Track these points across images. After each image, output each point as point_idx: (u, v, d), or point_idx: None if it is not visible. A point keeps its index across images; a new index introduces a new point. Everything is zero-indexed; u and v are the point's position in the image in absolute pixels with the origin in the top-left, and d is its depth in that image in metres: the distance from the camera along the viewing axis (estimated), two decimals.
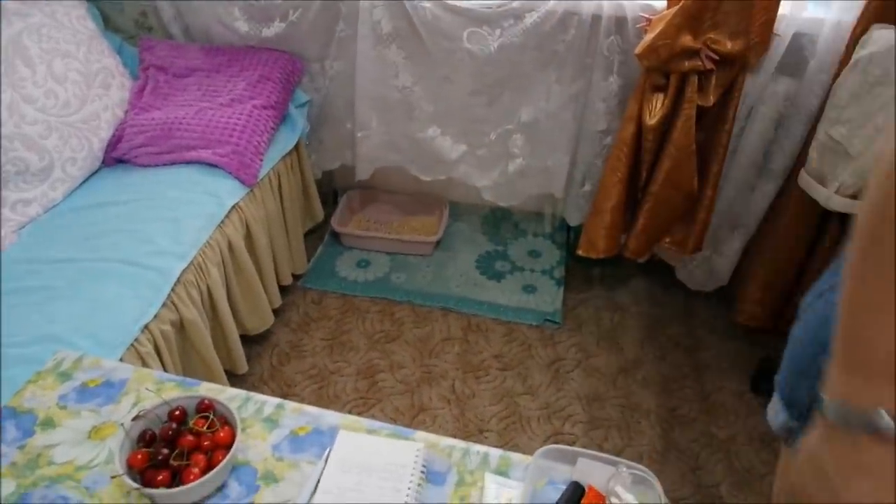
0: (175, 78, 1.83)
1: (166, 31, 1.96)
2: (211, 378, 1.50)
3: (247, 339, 1.82)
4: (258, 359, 1.85)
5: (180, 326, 1.40)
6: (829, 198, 1.40)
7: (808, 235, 1.75)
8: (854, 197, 1.37)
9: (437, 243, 2.25)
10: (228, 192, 1.61)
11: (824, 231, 1.74)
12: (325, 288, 2.09)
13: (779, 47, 1.57)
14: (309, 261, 2.17)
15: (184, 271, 1.40)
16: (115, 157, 1.69)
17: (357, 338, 1.92)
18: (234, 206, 1.60)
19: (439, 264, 2.19)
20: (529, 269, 2.18)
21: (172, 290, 1.36)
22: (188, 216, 1.50)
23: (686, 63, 1.52)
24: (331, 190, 2.38)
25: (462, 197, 2.33)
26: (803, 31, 1.58)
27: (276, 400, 0.96)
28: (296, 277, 2.09)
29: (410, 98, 1.89)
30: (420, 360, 1.86)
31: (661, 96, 1.58)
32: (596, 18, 1.67)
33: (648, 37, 1.48)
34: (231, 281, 1.62)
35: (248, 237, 1.68)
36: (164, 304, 1.33)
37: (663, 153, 1.66)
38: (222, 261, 1.56)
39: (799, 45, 1.60)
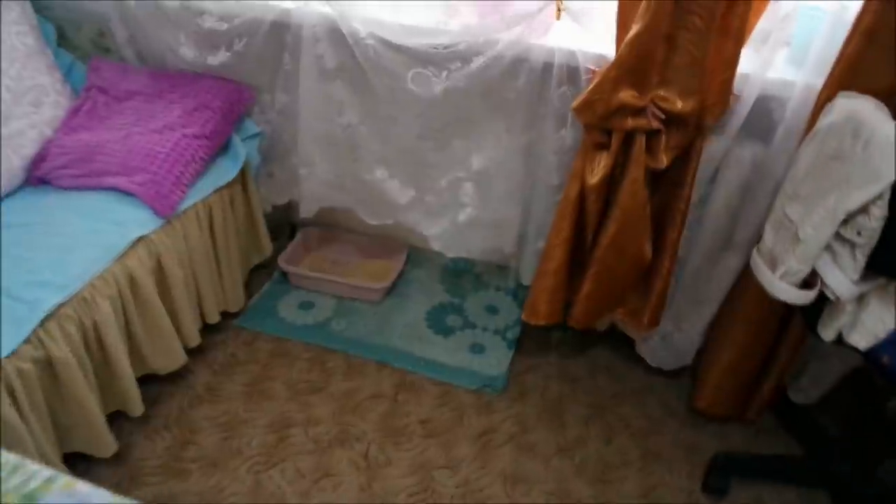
0: (115, 101, 1.78)
1: (121, 54, 1.92)
2: (86, 421, 1.40)
3: (161, 379, 1.72)
4: (169, 400, 1.73)
5: (47, 365, 1.29)
6: (772, 283, 1.22)
7: (775, 319, 1.56)
8: (801, 286, 1.19)
9: (390, 290, 2.12)
10: (137, 222, 1.52)
11: (793, 315, 1.55)
12: (261, 329, 1.97)
13: (741, 109, 1.41)
14: (251, 298, 2.07)
15: (61, 305, 1.31)
16: (38, 176, 1.63)
17: (279, 386, 1.80)
18: (141, 238, 1.51)
19: (386, 313, 2.05)
20: (482, 327, 2.02)
21: (41, 325, 1.27)
22: (82, 245, 1.42)
23: (630, 121, 1.37)
24: (288, 225, 2.28)
25: (425, 243, 2.20)
26: (771, 94, 1.42)
27: (49, 472, 0.83)
28: (233, 315, 1.98)
29: (356, 137, 1.78)
30: (339, 416, 1.72)
31: (603, 154, 1.44)
32: (547, 66, 1.54)
33: (586, 90, 1.35)
34: (132, 317, 1.52)
35: (160, 271, 1.59)
36: (26, 340, 1.24)
37: (609, 216, 1.51)
38: (119, 295, 1.46)
39: (767, 108, 1.44)
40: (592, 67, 1.43)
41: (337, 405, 1.75)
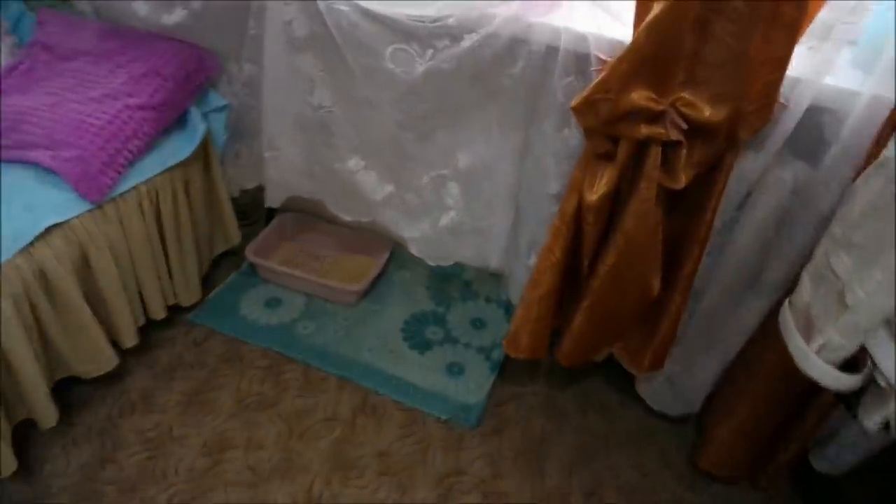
0: (58, 60, 1.55)
1: (78, 7, 1.68)
2: None
3: (94, 379, 1.51)
4: (98, 405, 1.53)
5: None
6: (805, 356, 0.95)
7: (803, 378, 1.28)
8: (842, 367, 0.92)
9: (369, 290, 1.89)
10: (55, 207, 1.31)
11: None
12: (217, 327, 1.76)
13: (787, 121, 1.12)
14: (213, 289, 1.86)
15: None
16: None
17: (224, 398, 1.58)
18: (58, 226, 1.30)
19: (359, 319, 1.82)
20: (464, 344, 1.78)
21: None
22: None
23: (643, 128, 1.09)
24: (264, 209, 2.04)
25: None
26: (826, 105, 1.12)
27: None
28: (187, 309, 1.77)
29: (328, 120, 1.53)
30: (286, 441, 1.50)
31: (608, 167, 1.16)
32: (551, 51, 1.26)
33: (588, 86, 1.07)
34: (44, 317, 1.31)
35: (84, 264, 1.37)
36: None
37: (609, 241, 1.24)
38: (25, 292, 1.25)
39: (818, 122, 1.15)
40: (603, 56, 1.15)
41: (285, 427, 1.53)
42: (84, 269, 1.38)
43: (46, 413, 1.35)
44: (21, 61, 1.54)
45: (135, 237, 1.48)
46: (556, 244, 1.28)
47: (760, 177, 1.21)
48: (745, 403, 1.35)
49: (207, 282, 1.86)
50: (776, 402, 1.32)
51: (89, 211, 1.36)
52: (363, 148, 1.56)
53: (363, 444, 1.52)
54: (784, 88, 1.09)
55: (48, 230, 1.28)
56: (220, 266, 1.93)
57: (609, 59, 1.13)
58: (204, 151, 1.66)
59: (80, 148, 1.35)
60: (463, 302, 1.91)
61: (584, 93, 1.07)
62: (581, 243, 1.28)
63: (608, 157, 1.16)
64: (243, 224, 1.93)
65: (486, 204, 1.51)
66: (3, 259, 1.20)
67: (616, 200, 1.23)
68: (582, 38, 1.22)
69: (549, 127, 1.33)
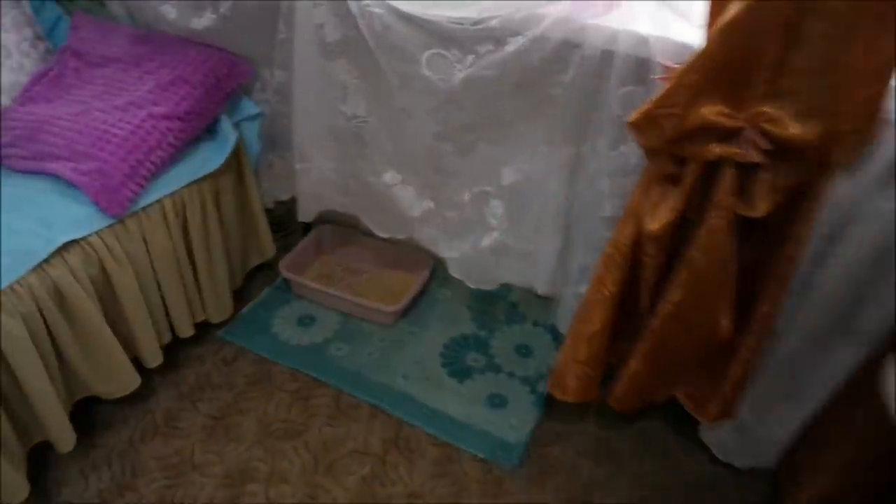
0: (88, 67, 1.50)
1: (113, 11, 1.63)
2: None
3: (117, 400, 1.45)
4: (120, 426, 1.47)
5: None
6: None
7: None
8: None
9: (408, 310, 1.77)
10: (73, 222, 1.24)
11: None
12: (248, 345, 1.67)
13: (892, 141, 0.93)
14: (248, 303, 1.78)
15: None
16: None
17: (249, 423, 1.50)
18: (76, 242, 1.23)
19: (396, 341, 1.71)
20: (508, 373, 1.64)
21: None
22: None
23: (716, 147, 0.93)
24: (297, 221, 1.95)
25: None
26: None
27: None
28: (218, 325, 1.69)
29: (362, 131, 1.42)
30: (311, 475, 1.40)
31: (672, 191, 1.00)
32: (607, 56, 1.11)
33: (650, 99, 0.91)
34: (61, 337, 1.25)
35: (105, 281, 1.31)
36: None
37: (674, 276, 1.07)
38: (39, 311, 1.19)
39: None
40: (668, 63, 0.99)
41: (311, 458, 1.43)
42: (104, 287, 1.32)
43: (63, 436, 1.30)
44: (51, 67, 1.50)
45: (159, 252, 1.41)
46: (609, 276, 1.13)
47: (857, 205, 1.02)
48: (831, 466, 1.15)
49: (243, 294, 1.80)
50: (870, 468, 1.12)
51: (110, 226, 1.29)
52: (399, 161, 1.44)
53: (394, 482, 1.40)
54: (889, 103, 0.91)
55: (65, 246, 1.21)
56: (256, 279, 1.85)
57: (675, 66, 0.97)
58: (237, 161, 1.58)
59: (100, 160, 1.29)
60: (508, 325, 1.76)
61: (645, 106, 0.91)
62: (638, 276, 1.12)
63: (673, 179, 0.99)
64: (279, 236, 1.84)
65: (532, 224, 1.36)
66: (15, 277, 1.14)
67: (681, 227, 1.06)
68: (643, 41, 1.06)
69: (604, 142, 1.18)
